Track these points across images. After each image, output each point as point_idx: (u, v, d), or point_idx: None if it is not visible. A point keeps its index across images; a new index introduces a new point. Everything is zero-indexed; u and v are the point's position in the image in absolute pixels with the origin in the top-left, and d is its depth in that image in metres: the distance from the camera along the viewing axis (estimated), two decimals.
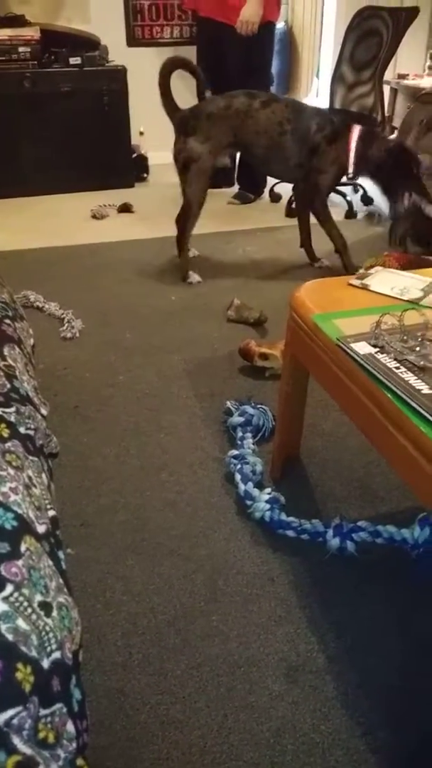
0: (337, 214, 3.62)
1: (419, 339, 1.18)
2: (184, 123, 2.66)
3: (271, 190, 3.88)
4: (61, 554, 0.95)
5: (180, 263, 2.84)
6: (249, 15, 3.26)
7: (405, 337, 1.19)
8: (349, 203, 3.61)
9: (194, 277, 2.81)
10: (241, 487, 1.58)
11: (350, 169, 2.64)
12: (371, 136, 2.68)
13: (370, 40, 3.28)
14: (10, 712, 0.66)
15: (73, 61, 3.77)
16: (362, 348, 1.18)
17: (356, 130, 2.64)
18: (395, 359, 1.14)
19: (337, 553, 1.40)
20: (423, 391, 1.05)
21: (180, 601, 1.33)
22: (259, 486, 1.58)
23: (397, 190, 2.65)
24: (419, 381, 1.08)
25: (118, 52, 4.11)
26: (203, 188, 2.74)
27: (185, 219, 2.79)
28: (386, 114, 3.60)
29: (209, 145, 2.65)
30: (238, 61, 3.47)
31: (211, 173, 2.75)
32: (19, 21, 3.72)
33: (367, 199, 3.78)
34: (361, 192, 3.80)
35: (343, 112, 2.96)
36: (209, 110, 2.65)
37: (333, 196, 3.78)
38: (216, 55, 3.54)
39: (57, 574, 0.87)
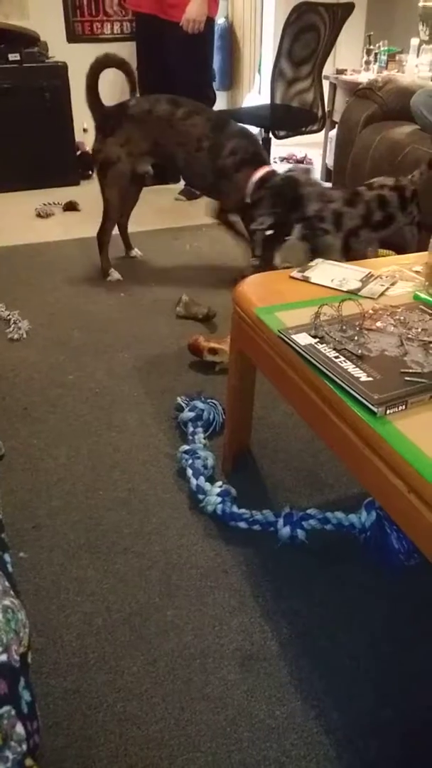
0: None
1: (357, 328, 1.21)
2: (104, 122, 2.61)
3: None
4: (7, 557, 0.94)
5: (100, 261, 2.81)
6: (195, 14, 3.27)
7: (344, 327, 1.22)
8: None
9: (114, 274, 2.79)
10: (193, 481, 1.59)
11: (248, 199, 2.52)
12: (271, 174, 2.52)
13: (308, 36, 3.32)
14: None
15: (11, 57, 3.70)
16: (303, 339, 1.21)
17: (262, 169, 2.53)
18: (334, 349, 1.16)
19: (288, 542, 1.43)
20: (361, 379, 1.08)
21: (135, 598, 1.33)
22: (211, 480, 1.60)
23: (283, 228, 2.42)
24: (358, 369, 1.11)
25: (59, 48, 4.05)
26: (122, 192, 2.69)
27: (103, 221, 2.75)
28: (326, 109, 3.65)
29: (128, 148, 2.59)
30: (178, 58, 3.46)
31: (130, 177, 2.67)
32: None
33: None
34: None
35: (252, 145, 2.65)
36: (131, 112, 2.58)
37: None
38: (156, 52, 3.53)
39: (2, 577, 0.87)
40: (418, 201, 2.41)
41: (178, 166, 2.71)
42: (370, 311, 1.28)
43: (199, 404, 1.84)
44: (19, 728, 0.74)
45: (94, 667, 1.20)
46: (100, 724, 1.10)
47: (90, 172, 4.29)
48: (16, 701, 0.75)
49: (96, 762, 1.05)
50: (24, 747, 0.73)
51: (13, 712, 0.73)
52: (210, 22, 3.48)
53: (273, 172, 2.55)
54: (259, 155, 2.62)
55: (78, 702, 1.14)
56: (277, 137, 3.65)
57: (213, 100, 3.75)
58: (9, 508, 1.53)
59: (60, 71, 3.84)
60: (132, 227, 3.21)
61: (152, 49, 3.55)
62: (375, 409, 1.03)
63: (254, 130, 4.55)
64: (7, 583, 0.86)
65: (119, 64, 2.70)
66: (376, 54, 4.17)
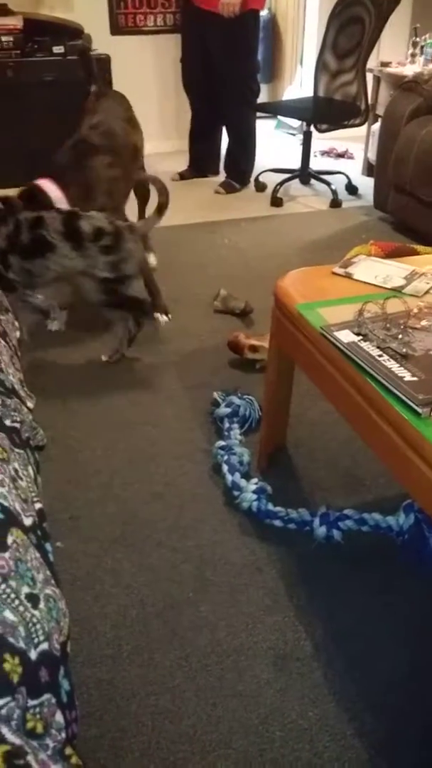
0: (321, 203, 3.63)
1: (401, 327, 1.19)
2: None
3: (257, 179, 3.87)
4: (48, 546, 0.95)
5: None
6: None
7: (388, 325, 1.20)
8: (334, 192, 3.61)
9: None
10: (229, 477, 1.58)
11: None
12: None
13: (353, 28, 3.27)
14: None
15: (56, 49, 3.73)
16: (345, 336, 1.19)
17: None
18: (378, 347, 1.14)
19: (323, 542, 1.41)
20: (405, 379, 1.06)
21: (169, 593, 1.33)
22: (247, 476, 1.59)
23: None
24: (402, 368, 1.08)
25: (102, 40, 4.06)
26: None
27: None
28: (369, 102, 3.59)
29: None
30: (222, 49, 3.45)
31: None
32: (2, 10, 3.67)
33: (351, 188, 3.78)
34: (346, 181, 3.80)
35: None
36: None
37: (318, 185, 3.79)
38: (200, 44, 3.52)
39: (44, 566, 0.88)
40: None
41: None
42: (415, 309, 1.26)
43: (236, 400, 1.83)
44: (59, 717, 0.75)
45: (128, 659, 1.20)
46: (133, 716, 1.11)
47: None
48: (56, 690, 0.76)
49: (129, 754, 1.06)
50: (63, 736, 0.74)
51: (53, 701, 0.74)
52: (255, 14, 3.46)
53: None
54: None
55: (111, 693, 1.15)
56: (319, 131, 3.61)
57: (256, 93, 3.72)
58: (47, 499, 1.54)
59: (103, 64, 3.85)
60: (169, 220, 3.21)
61: (196, 41, 3.54)
62: (419, 410, 1.01)
63: (295, 123, 4.53)
64: (48, 572, 0.87)
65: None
66: (422, 46, 4.07)
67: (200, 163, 4.02)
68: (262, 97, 3.96)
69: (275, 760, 1.05)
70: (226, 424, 1.77)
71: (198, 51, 3.55)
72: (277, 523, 1.48)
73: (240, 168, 3.86)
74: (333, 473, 1.66)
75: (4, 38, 3.62)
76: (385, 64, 3.93)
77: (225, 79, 3.55)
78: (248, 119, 3.77)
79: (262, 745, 1.07)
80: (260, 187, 3.84)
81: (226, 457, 1.64)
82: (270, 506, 1.50)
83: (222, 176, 3.94)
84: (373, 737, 1.09)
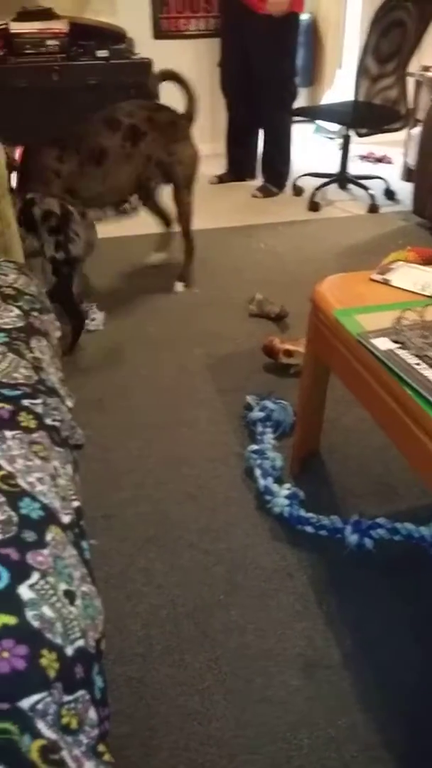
0: (359, 208, 3.61)
1: None
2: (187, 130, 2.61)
3: (294, 183, 3.86)
4: (84, 544, 0.97)
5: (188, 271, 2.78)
6: None
7: (426, 333, 1.19)
8: (372, 197, 3.58)
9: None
10: (261, 482, 1.58)
11: None
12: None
13: (395, 32, 3.24)
14: (35, 697, 0.68)
15: (100, 54, 3.78)
16: (383, 344, 1.18)
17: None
18: (416, 355, 1.14)
19: (355, 550, 1.41)
20: None
21: (199, 594, 1.34)
22: (279, 481, 1.59)
23: None
24: None
25: (144, 44, 4.11)
26: None
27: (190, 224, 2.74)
28: (409, 107, 3.55)
29: None
30: (261, 51, 3.46)
31: None
32: (47, 14, 3.74)
33: (389, 193, 3.74)
34: (384, 186, 3.77)
35: None
36: None
37: (356, 190, 3.77)
38: (240, 46, 3.52)
39: (81, 564, 0.89)
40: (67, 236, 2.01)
41: None
42: None
43: (270, 404, 1.83)
44: (92, 713, 0.76)
45: (158, 659, 1.22)
46: (162, 716, 1.12)
47: None
48: (90, 687, 0.77)
49: (157, 753, 1.07)
50: (96, 732, 0.75)
51: (87, 697, 0.75)
52: (296, 16, 3.46)
53: None
54: None
55: (142, 691, 1.16)
56: (359, 135, 3.58)
57: (294, 96, 3.72)
58: (82, 496, 1.57)
59: (145, 68, 3.89)
60: (206, 224, 3.23)
61: (236, 43, 3.55)
62: None
63: (334, 127, 4.50)
64: (85, 570, 0.89)
65: (175, 77, 2.67)
66: None
67: (238, 167, 4.02)
68: (301, 101, 3.95)
69: None
70: (260, 428, 1.77)
71: (238, 53, 3.56)
72: (309, 529, 1.47)
73: (277, 171, 3.86)
74: (366, 481, 1.65)
75: (49, 42, 3.69)
76: (426, 68, 3.88)
77: (263, 81, 3.56)
78: (285, 122, 3.78)
79: (290, 752, 1.07)
80: (298, 191, 3.83)
81: (258, 462, 1.64)
82: (302, 512, 1.50)
83: (259, 180, 3.94)
84: (401, 748, 1.08)
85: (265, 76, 3.54)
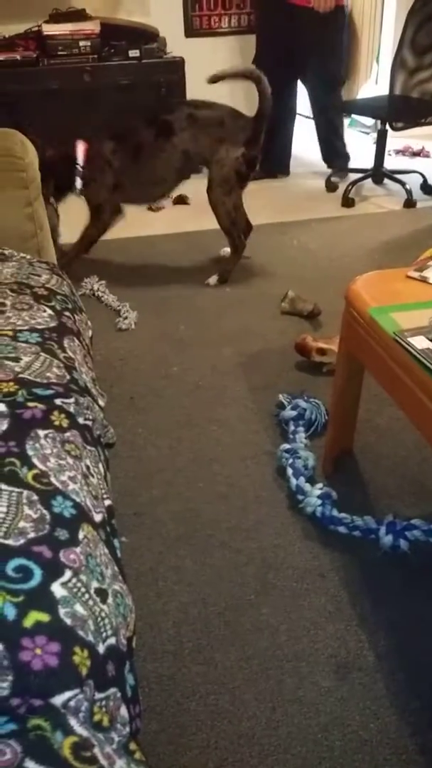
0: (395, 203, 3.55)
1: None
2: (236, 133, 2.61)
3: (328, 179, 3.82)
4: (116, 542, 0.97)
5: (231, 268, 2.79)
6: None
7: None
8: (408, 192, 3.52)
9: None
10: (293, 481, 1.57)
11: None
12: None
13: None
14: (68, 694, 0.68)
15: (132, 53, 3.80)
16: (420, 342, 1.16)
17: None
18: None
19: (389, 551, 1.39)
20: None
21: (230, 593, 1.34)
22: (311, 481, 1.58)
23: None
24: None
25: (176, 43, 4.11)
26: None
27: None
28: None
29: None
30: (313, 44, 3.44)
31: None
32: (79, 15, 3.77)
33: (427, 188, 3.68)
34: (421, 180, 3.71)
35: None
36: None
37: (391, 184, 3.71)
38: (281, 40, 3.49)
39: (112, 562, 0.90)
40: None
41: None
42: None
43: (302, 403, 1.81)
44: (123, 711, 0.76)
45: (189, 656, 1.22)
46: (193, 714, 1.12)
47: (201, 167, 4.33)
48: (122, 684, 0.78)
49: (188, 751, 1.07)
50: (127, 730, 0.75)
51: (118, 695, 0.76)
52: (342, 8, 3.47)
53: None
54: None
55: (172, 689, 1.16)
56: (394, 129, 3.52)
57: (342, 83, 3.72)
58: (113, 494, 1.58)
59: (177, 66, 3.90)
60: None
61: (277, 38, 3.52)
62: None
63: (369, 121, 4.45)
64: (116, 568, 0.89)
65: (256, 79, 2.63)
66: None
67: (269, 164, 4.00)
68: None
69: None
70: (292, 427, 1.76)
71: (279, 48, 3.53)
72: (342, 529, 1.46)
73: (341, 153, 3.91)
74: (401, 481, 1.62)
75: (81, 43, 3.72)
76: None
77: (316, 73, 3.58)
78: (338, 107, 3.85)
79: (322, 754, 1.06)
80: (331, 187, 3.79)
81: (290, 461, 1.63)
82: (335, 512, 1.48)
83: (294, 176, 3.93)
84: None
85: (317, 69, 3.55)
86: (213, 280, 2.72)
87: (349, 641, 1.24)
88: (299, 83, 3.77)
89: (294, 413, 1.79)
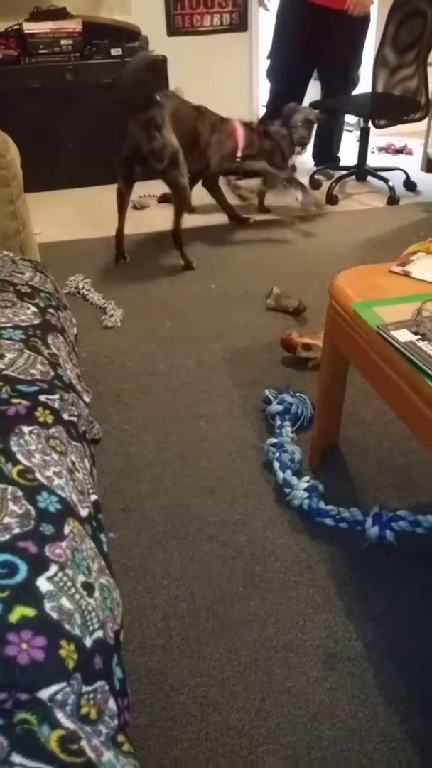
0: (378, 200, 3.57)
1: None
2: (152, 117, 2.63)
3: (312, 176, 3.83)
4: (102, 537, 0.97)
5: (182, 256, 2.85)
6: None
7: None
8: (392, 189, 3.54)
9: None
10: (280, 475, 1.58)
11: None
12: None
13: (414, 21, 3.19)
14: (54, 688, 0.68)
15: (114, 52, 3.79)
16: (403, 336, 1.17)
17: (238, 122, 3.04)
18: None
19: (375, 542, 1.40)
20: None
21: (219, 586, 1.34)
22: (298, 474, 1.58)
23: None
24: None
25: (158, 42, 4.11)
26: (187, 175, 2.80)
27: (181, 212, 2.81)
28: (430, 97, 3.50)
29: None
30: (337, 45, 3.45)
31: None
32: (61, 14, 3.76)
33: (410, 184, 3.70)
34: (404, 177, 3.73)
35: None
36: (165, 104, 2.69)
37: (374, 182, 3.73)
38: (304, 38, 3.47)
39: (99, 556, 0.90)
40: None
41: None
42: None
43: (288, 398, 1.82)
44: (112, 704, 0.77)
45: (178, 650, 1.22)
46: (182, 706, 1.13)
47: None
48: (110, 677, 0.78)
49: (178, 743, 1.07)
50: (116, 722, 0.76)
51: (106, 688, 0.76)
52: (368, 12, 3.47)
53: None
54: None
55: (161, 682, 1.16)
56: (377, 126, 3.55)
57: (357, 84, 3.73)
58: (100, 490, 1.57)
59: (159, 65, 3.89)
60: (224, 218, 3.23)
61: (300, 35, 3.48)
62: None
63: (353, 119, 4.46)
64: (103, 563, 0.90)
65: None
66: None
67: None
68: (318, 95, 3.92)
69: (324, 759, 1.05)
70: (278, 422, 1.77)
71: (300, 46, 3.50)
72: (329, 521, 1.47)
73: (335, 155, 3.95)
74: (386, 473, 1.63)
75: (63, 42, 3.70)
76: None
77: (336, 73, 3.61)
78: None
79: (311, 743, 1.07)
80: (315, 184, 3.80)
81: (277, 455, 1.64)
82: (321, 505, 1.49)
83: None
84: (424, 742, 1.07)
85: (341, 67, 3.58)
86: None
87: (337, 631, 1.25)
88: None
89: (280, 408, 1.80)
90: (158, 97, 2.68)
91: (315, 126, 3.29)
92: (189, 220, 3.27)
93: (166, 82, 3.90)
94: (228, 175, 3.35)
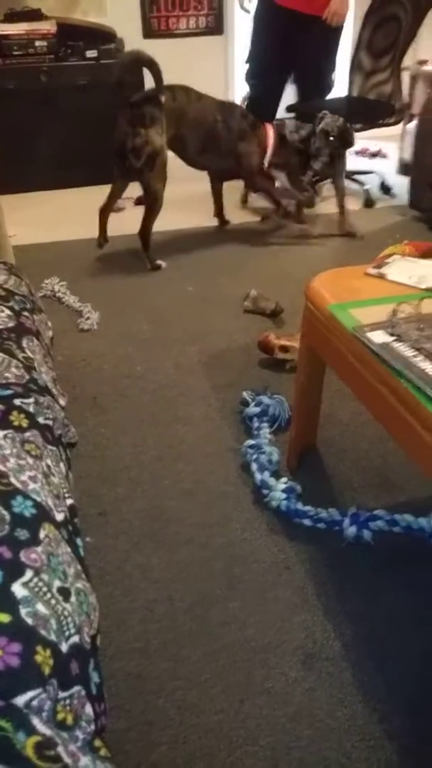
0: (354, 203, 3.60)
1: None
2: (142, 114, 2.67)
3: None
4: (79, 541, 0.97)
5: (148, 256, 2.88)
6: (339, 6, 3.27)
7: (422, 326, 1.19)
8: (367, 192, 3.58)
9: (162, 263, 2.89)
10: (258, 476, 1.59)
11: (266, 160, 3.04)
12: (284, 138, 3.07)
13: (389, 26, 3.23)
14: (30, 694, 0.68)
15: (89, 54, 3.77)
16: (378, 337, 1.18)
17: (272, 128, 3.04)
18: (412, 347, 1.14)
19: (353, 542, 1.41)
20: None
21: (197, 589, 1.34)
22: (276, 475, 1.59)
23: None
24: None
25: (135, 44, 4.10)
26: (165, 180, 2.80)
27: (151, 215, 2.83)
28: (405, 101, 3.55)
29: (164, 138, 2.73)
30: (317, 50, 3.45)
31: None
32: (35, 15, 3.73)
33: (385, 188, 3.74)
34: (380, 181, 3.76)
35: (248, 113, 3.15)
36: (162, 101, 2.71)
37: (350, 185, 3.76)
38: (281, 43, 3.48)
39: (75, 561, 0.89)
40: None
41: (191, 147, 2.91)
42: None
43: (265, 399, 1.83)
44: (88, 709, 0.76)
45: (156, 653, 1.22)
46: (161, 710, 1.12)
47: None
48: (86, 682, 0.77)
49: (156, 747, 1.07)
50: (92, 727, 0.75)
51: (83, 693, 0.75)
52: None
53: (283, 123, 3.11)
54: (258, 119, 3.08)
55: (140, 686, 1.16)
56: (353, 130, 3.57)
57: (332, 88, 3.74)
58: (77, 494, 1.55)
59: (147, 63, 3.88)
60: (201, 222, 3.25)
61: (277, 40, 3.49)
62: None
63: None
64: (79, 567, 0.89)
65: (148, 63, 2.75)
66: None
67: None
68: (293, 98, 3.95)
69: (303, 759, 1.05)
70: (256, 423, 1.77)
71: (276, 50, 3.50)
72: (307, 522, 1.47)
73: None
74: (363, 473, 1.65)
75: (38, 43, 3.68)
76: (421, 63, 3.88)
77: (311, 77, 3.60)
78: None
79: (290, 743, 1.07)
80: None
81: (255, 456, 1.64)
82: (299, 505, 1.50)
83: None
84: (402, 739, 1.08)
85: (315, 72, 3.57)
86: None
87: (316, 631, 1.25)
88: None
89: (258, 409, 1.80)
90: (161, 96, 2.70)
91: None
92: (168, 224, 3.27)
93: (142, 83, 3.89)
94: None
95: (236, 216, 3.46)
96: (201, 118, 2.87)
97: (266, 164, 3.05)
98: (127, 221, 3.44)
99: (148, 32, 4.31)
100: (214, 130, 2.91)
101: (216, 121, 2.91)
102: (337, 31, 3.46)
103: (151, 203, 2.82)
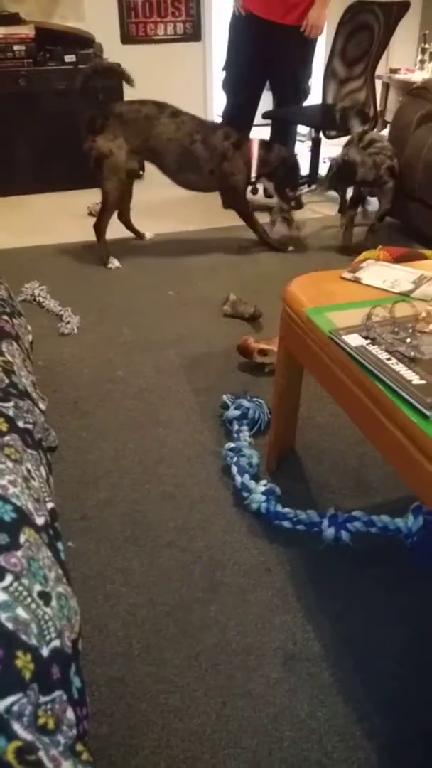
0: (330, 208, 3.65)
1: (410, 330, 1.20)
2: (92, 122, 2.84)
3: (264, 186, 3.88)
4: (60, 545, 0.97)
5: (99, 249, 2.98)
6: (317, 19, 3.30)
7: (396, 329, 1.21)
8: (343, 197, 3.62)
9: (114, 262, 2.95)
10: (238, 479, 1.59)
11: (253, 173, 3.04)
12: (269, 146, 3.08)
13: (362, 35, 3.28)
14: (11, 699, 0.68)
15: (67, 59, 3.78)
16: (354, 340, 1.20)
17: (256, 141, 3.04)
18: (386, 350, 1.15)
19: (332, 543, 1.42)
20: (414, 382, 1.07)
21: (179, 592, 1.34)
22: (256, 478, 1.60)
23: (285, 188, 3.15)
24: (410, 372, 1.09)
25: (113, 49, 4.11)
26: (118, 183, 2.92)
27: (102, 211, 2.97)
28: (378, 108, 3.60)
29: (118, 143, 2.84)
30: (292, 59, 3.48)
31: (126, 171, 2.94)
32: (13, 19, 3.72)
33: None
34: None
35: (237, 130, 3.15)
36: (118, 111, 2.87)
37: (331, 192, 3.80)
38: (257, 52, 3.50)
39: (56, 565, 0.89)
40: None
41: (168, 163, 2.97)
42: (423, 313, 1.26)
43: (245, 403, 1.84)
44: (70, 713, 0.76)
45: (138, 657, 1.22)
46: (143, 714, 1.12)
47: (141, 172, 4.32)
48: (68, 687, 0.77)
49: (139, 751, 1.07)
50: (74, 732, 0.75)
51: (64, 698, 0.75)
52: None
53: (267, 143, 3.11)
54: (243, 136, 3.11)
55: (122, 691, 1.16)
56: (328, 137, 3.62)
57: (308, 95, 3.77)
58: (58, 499, 1.55)
59: (114, 72, 3.89)
60: (183, 226, 3.28)
61: (254, 49, 3.51)
62: (427, 413, 1.01)
63: (304, 129, 4.55)
64: (60, 571, 0.89)
65: (109, 71, 2.97)
66: (431, 53, 4.09)
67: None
68: (270, 105, 3.98)
69: (284, 760, 1.06)
70: (236, 426, 1.78)
71: (252, 58, 3.52)
72: (286, 524, 1.49)
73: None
74: (341, 475, 1.67)
75: (16, 47, 3.68)
76: (394, 71, 3.95)
77: (287, 85, 3.65)
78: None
79: (272, 745, 1.08)
80: (268, 193, 3.85)
81: (235, 459, 1.65)
82: (279, 507, 1.51)
83: None
84: (382, 739, 1.09)
85: (290, 81, 3.61)
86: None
87: (296, 633, 1.26)
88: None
89: (237, 413, 1.81)
90: (117, 108, 2.86)
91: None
92: (148, 228, 3.28)
93: (120, 89, 3.90)
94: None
95: (218, 221, 3.48)
96: (173, 133, 2.90)
97: (254, 177, 3.07)
98: (108, 226, 3.44)
99: (126, 38, 4.33)
100: (191, 148, 2.93)
101: (193, 141, 2.92)
102: (313, 40, 3.52)
103: (102, 202, 2.97)
